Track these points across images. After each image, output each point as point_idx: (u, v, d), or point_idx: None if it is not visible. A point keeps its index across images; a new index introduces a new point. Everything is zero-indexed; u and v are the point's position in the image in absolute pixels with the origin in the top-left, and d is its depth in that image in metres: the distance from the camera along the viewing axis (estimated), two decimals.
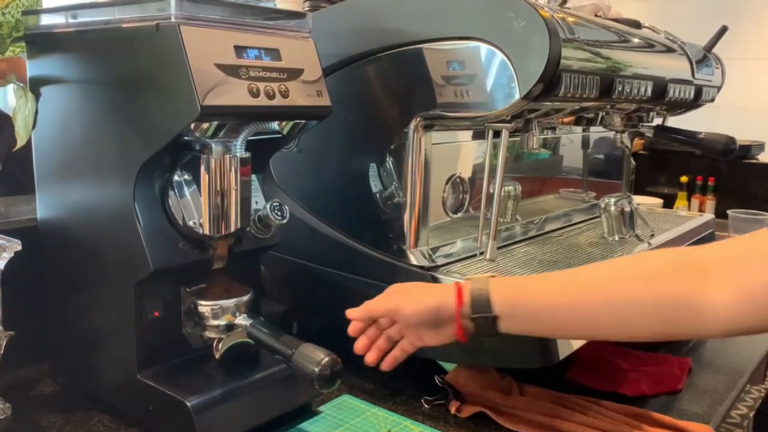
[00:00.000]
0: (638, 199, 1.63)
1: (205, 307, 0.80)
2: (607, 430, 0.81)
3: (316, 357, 0.74)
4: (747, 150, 2.18)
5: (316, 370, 0.73)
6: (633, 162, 2.11)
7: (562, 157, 1.36)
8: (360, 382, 0.95)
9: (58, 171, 0.87)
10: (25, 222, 0.93)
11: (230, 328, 0.80)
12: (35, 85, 0.87)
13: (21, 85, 0.87)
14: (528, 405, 0.86)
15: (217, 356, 0.79)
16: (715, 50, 1.31)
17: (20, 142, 0.87)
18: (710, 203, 2.08)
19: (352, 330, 0.76)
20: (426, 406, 0.89)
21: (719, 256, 0.64)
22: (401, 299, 0.73)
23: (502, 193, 1.15)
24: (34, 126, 0.87)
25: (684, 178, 2.18)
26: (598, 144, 1.42)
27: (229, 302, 0.80)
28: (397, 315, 0.72)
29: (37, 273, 0.92)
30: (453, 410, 0.87)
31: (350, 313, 0.76)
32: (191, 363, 0.82)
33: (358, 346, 0.74)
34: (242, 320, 0.80)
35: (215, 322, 0.80)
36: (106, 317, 0.82)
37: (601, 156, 1.44)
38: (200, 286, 0.82)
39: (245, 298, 0.81)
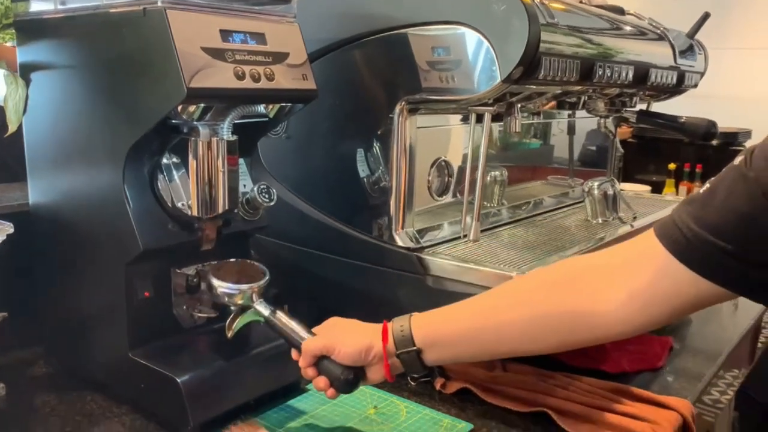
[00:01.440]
0: (626, 186, 1.66)
1: (222, 287, 0.79)
2: (589, 404, 0.83)
3: None
4: (734, 137, 2.21)
5: (340, 374, 0.74)
6: (621, 149, 2.14)
7: (553, 147, 1.39)
8: None
9: (50, 156, 0.89)
10: (17, 207, 0.95)
11: (243, 309, 0.80)
12: (25, 72, 0.88)
13: (11, 71, 0.89)
14: (511, 381, 0.88)
15: (229, 335, 0.80)
16: (707, 40, 1.33)
17: (11, 128, 0.89)
18: (698, 190, 2.10)
19: (306, 375, 0.77)
20: (412, 383, 0.90)
21: (605, 263, 0.70)
22: (336, 339, 0.75)
23: (489, 178, 1.17)
24: (24, 112, 0.88)
25: (672, 166, 2.21)
26: (584, 132, 1.45)
27: (245, 287, 0.80)
28: (332, 353, 0.75)
29: (29, 256, 0.93)
30: (438, 387, 0.89)
31: (299, 362, 0.77)
32: (182, 342, 0.84)
33: (318, 386, 0.76)
34: (262, 307, 0.80)
35: (230, 302, 0.80)
36: (98, 298, 0.84)
37: (588, 143, 1.47)
38: (213, 263, 0.83)
39: (262, 282, 0.81)
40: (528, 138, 1.33)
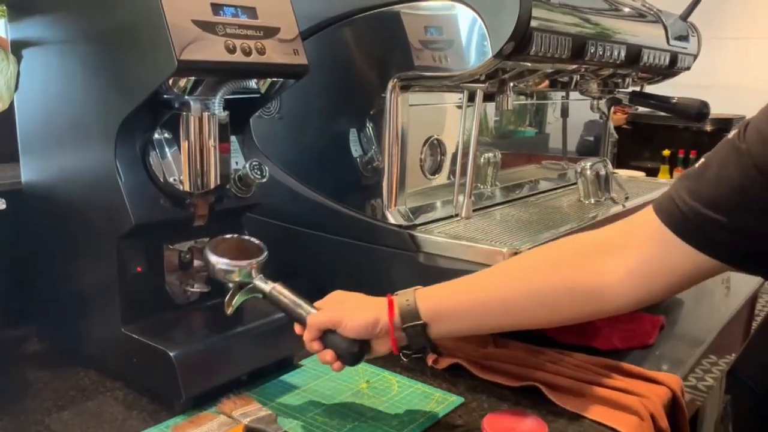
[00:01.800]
0: (620, 172, 1.66)
1: (221, 264, 0.78)
2: (579, 378, 0.84)
3: None
4: (728, 123, 2.22)
5: (347, 347, 0.74)
6: (615, 135, 2.14)
7: (548, 135, 1.39)
8: None
9: (42, 133, 0.89)
10: (9, 185, 0.95)
11: (242, 286, 0.79)
12: (17, 48, 0.88)
13: (2, 48, 0.88)
14: (502, 356, 0.89)
15: (228, 312, 0.78)
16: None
17: (3, 105, 0.89)
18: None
19: (311, 349, 0.76)
20: (404, 359, 0.92)
21: (605, 239, 0.71)
22: (342, 313, 0.75)
23: (482, 160, 1.17)
24: (16, 89, 0.88)
25: (666, 152, 2.22)
26: (582, 123, 1.45)
27: (244, 263, 0.78)
28: (338, 327, 0.74)
29: (22, 235, 0.94)
30: (430, 362, 0.89)
31: (304, 335, 0.77)
32: (175, 318, 0.85)
33: (325, 359, 0.75)
34: (261, 283, 0.78)
35: (228, 279, 0.78)
36: (91, 274, 0.84)
37: (585, 134, 1.47)
38: (210, 239, 0.81)
39: (261, 258, 0.80)
40: (523, 126, 1.34)
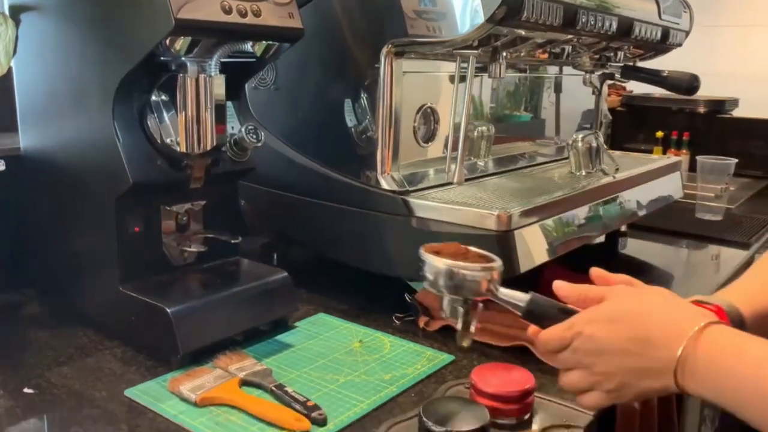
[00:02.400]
0: (614, 153, 1.67)
1: (468, 271, 0.62)
2: None
3: None
4: (721, 105, 2.23)
5: None
6: (609, 116, 2.15)
7: (543, 121, 1.40)
8: (335, 303, 1.00)
9: (40, 97, 0.90)
10: (8, 150, 0.96)
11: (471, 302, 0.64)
12: (15, 13, 0.89)
13: (1, 11, 0.89)
14: (491, 318, 0.90)
15: (466, 343, 0.65)
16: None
17: (1, 70, 0.90)
18: (685, 157, 2.13)
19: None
20: (397, 322, 0.94)
21: None
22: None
23: (476, 134, 1.19)
24: (14, 53, 0.89)
25: (660, 134, 2.23)
26: (580, 112, 1.46)
27: (494, 264, 0.64)
28: None
29: (21, 199, 0.95)
30: (421, 325, 0.91)
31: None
32: (172, 278, 0.86)
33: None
34: (511, 292, 0.64)
35: (468, 293, 0.63)
36: (89, 235, 0.86)
37: (583, 122, 1.48)
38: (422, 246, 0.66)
39: (498, 263, 0.64)
40: (519, 111, 1.35)
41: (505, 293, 0.63)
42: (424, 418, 0.61)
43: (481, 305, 0.67)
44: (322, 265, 1.16)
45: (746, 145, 2.16)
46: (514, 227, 0.86)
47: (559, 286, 0.62)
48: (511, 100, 1.29)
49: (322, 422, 0.67)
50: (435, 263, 0.62)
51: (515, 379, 0.69)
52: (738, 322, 0.63)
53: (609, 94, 2.36)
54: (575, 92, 1.42)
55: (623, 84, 2.11)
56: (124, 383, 0.75)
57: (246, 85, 1.02)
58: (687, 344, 0.51)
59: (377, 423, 0.67)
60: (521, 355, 0.83)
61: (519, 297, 0.63)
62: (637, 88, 2.47)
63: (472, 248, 0.67)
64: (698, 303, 0.65)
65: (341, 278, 1.08)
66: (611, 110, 2.27)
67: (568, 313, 0.60)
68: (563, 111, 1.41)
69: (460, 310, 0.62)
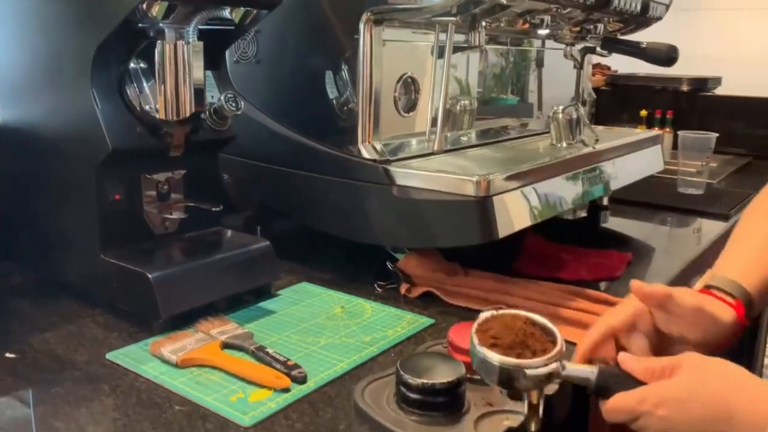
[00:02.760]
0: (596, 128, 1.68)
1: (532, 368, 0.56)
2: (544, 301, 0.87)
3: None
4: (704, 83, 2.25)
5: None
6: (593, 95, 2.16)
7: (531, 105, 1.41)
8: (318, 273, 1.01)
9: (17, 68, 0.89)
10: None
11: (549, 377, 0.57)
12: None
13: None
14: (471, 283, 0.92)
15: (534, 429, 0.59)
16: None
17: None
18: (668, 135, 2.15)
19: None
20: (379, 290, 0.95)
21: None
22: None
23: (458, 108, 1.19)
24: None
25: (643, 112, 2.25)
26: (569, 98, 1.47)
27: (554, 353, 0.57)
28: None
29: (1, 171, 0.95)
30: (403, 291, 0.92)
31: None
32: (153, 246, 0.87)
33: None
34: (581, 367, 0.59)
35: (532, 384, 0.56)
36: (70, 204, 0.86)
37: (560, 90, 1.49)
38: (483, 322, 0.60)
39: (560, 342, 0.59)
40: (506, 94, 1.35)
41: (571, 370, 0.57)
42: (401, 372, 0.62)
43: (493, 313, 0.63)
44: (306, 237, 1.16)
45: (729, 123, 2.18)
46: (492, 193, 0.87)
47: (625, 359, 0.56)
48: (498, 84, 1.30)
49: (302, 380, 0.68)
50: (495, 362, 0.55)
51: None
52: (748, 303, 0.63)
53: (593, 74, 2.37)
54: (560, 75, 1.42)
55: (606, 59, 2.12)
56: (105, 348, 0.75)
57: (227, 58, 1.02)
58: None
59: (356, 380, 0.68)
60: None
61: (586, 371, 0.58)
62: (621, 67, 2.48)
63: (527, 314, 0.61)
64: (707, 290, 0.65)
65: (324, 250, 1.09)
66: (596, 89, 2.28)
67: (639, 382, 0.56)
68: (549, 93, 1.42)
69: (524, 396, 0.58)
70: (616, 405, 0.54)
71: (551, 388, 0.60)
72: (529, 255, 1.05)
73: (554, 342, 0.58)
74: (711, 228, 1.36)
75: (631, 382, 0.55)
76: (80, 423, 0.61)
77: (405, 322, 0.83)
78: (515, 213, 0.92)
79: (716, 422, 0.49)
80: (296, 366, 0.69)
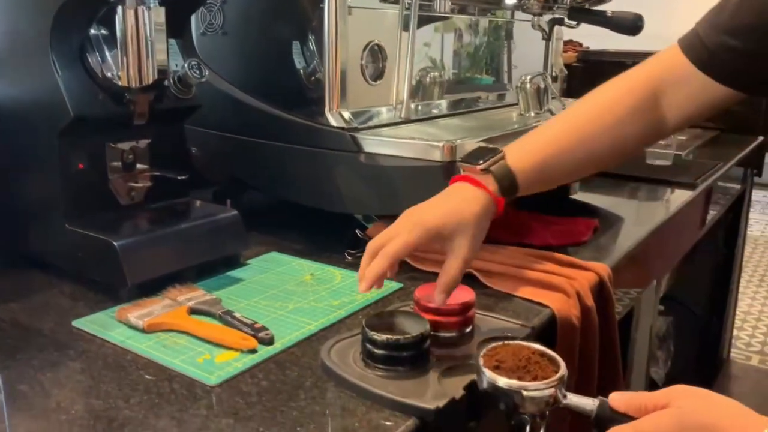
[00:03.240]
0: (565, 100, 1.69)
1: (531, 390, 0.56)
2: (512, 264, 0.89)
3: None
4: None
5: None
6: (565, 71, 2.18)
7: (505, 85, 1.41)
8: (288, 243, 1.01)
9: None
10: None
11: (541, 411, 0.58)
12: None
13: None
14: (440, 249, 0.92)
15: None
16: None
17: None
18: None
19: None
20: (349, 258, 0.95)
21: (656, 84, 0.76)
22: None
23: (428, 80, 1.20)
24: None
25: None
26: (528, 54, 1.48)
27: (555, 378, 0.57)
28: None
29: None
30: None
31: None
32: (119, 216, 0.86)
33: None
34: (580, 399, 0.58)
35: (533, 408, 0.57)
36: (34, 176, 0.85)
37: (528, 56, 1.50)
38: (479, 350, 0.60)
39: (562, 369, 0.58)
40: (480, 74, 1.36)
41: (573, 399, 0.58)
42: (367, 329, 0.62)
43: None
44: (276, 210, 1.16)
45: None
46: (458, 158, 0.88)
47: (615, 398, 0.56)
48: (473, 64, 1.30)
49: (269, 341, 0.68)
50: (497, 383, 0.56)
51: (456, 294, 0.71)
52: (508, 186, 0.72)
53: (565, 51, 2.39)
54: (532, 50, 1.43)
55: (578, 36, 2.13)
56: (72, 316, 0.75)
57: (193, 31, 1.01)
58: None
59: (324, 341, 0.68)
60: (467, 283, 0.85)
61: (587, 403, 0.57)
62: (593, 44, 2.50)
63: (535, 345, 0.61)
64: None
65: (295, 221, 1.09)
66: (567, 66, 2.30)
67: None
68: (521, 69, 1.42)
69: (527, 419, 0.57)
70: None
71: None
72: (498, 222, 1.06)
73: (557, 371, 0.58)
74: (678, 195, 1.39)
75: (627, 417, 0.55)
76: (45, 386, 0.61)
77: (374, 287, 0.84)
78: None
79: None
80: (263, 328, 0.70)
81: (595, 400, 0.57)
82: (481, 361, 0.58)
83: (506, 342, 0.62)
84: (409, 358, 0.62)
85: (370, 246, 0.69)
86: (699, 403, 0.54)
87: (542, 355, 0.60)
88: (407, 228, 0.67)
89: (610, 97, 0.77)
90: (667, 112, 0.76)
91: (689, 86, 0.73)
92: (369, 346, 0.62)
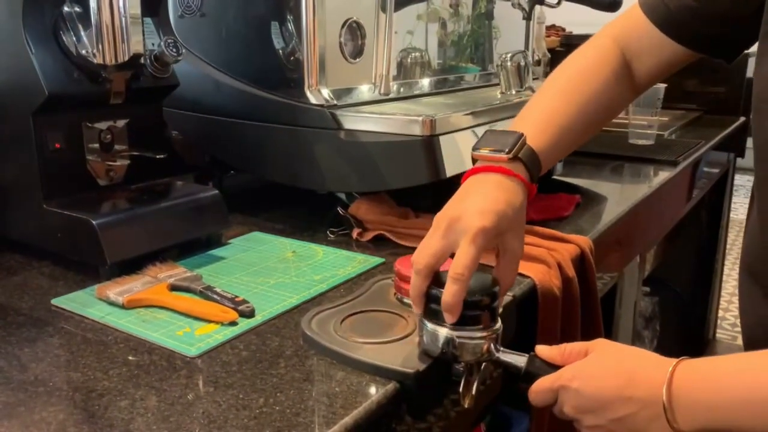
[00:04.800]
0: None
1: (460, 335, 0.57)
2: None
3: None
4: None
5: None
6: (548, 55, 2.18)
7: (490, 74, 1.41)
8: (271, 223, 1.01)
9: None
10: None
11: (476, 366, 0.59)
12: None
13: None
14: (422, 224, 0.93)
15: (468, 404, 0.59)
16: None
17: None
18: None
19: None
20: (331, 236, 0.95)
21: (623, 50, 0.78)
22: None
23: (409, 60, 1.19)
24: None
25: None
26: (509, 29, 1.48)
27: (490, 331, 0.59)
28: None
29: None
30: (355, 236, 0.93)
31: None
32: (98, 196, 0.86)
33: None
34: (511, 355, 0.59)
35: (469, 357, 0.58)
36: (11, 155, 0.84)
37: (512, 41, 1.50)
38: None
39: (498, 325, 0.60)
40: (465, 62, 1.35)
41: (505, 355, 0.59)
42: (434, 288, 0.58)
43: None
44: (258, 192, 1.16)
45: (682, 81, 2.23)
46: (438, 132, 0.88)
47: (540, 348, 0.59)
48: (458, 52, 1.30)
49: (249, 314, 0.68)
50: (435, 330, 0.58)
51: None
52: (536, 169, 0.67)
53: (548, 35, 2.39)
54: (517, 36, 1.43)
55: (561, 20, 2.14)
56: (51, 296, 0.74)
57: (171, 12, 1.01)
58: (665, 391, 0.52)
59: (305, 313, 0.68)
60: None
61: (518, 359, 0.59)
62: (576, 28, 2.50)
63: None
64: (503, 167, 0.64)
65: (277, 203, 1.09)
66: (550, 50, 2.30)
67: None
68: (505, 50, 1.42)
69: (461, 371, 0.59)
70: (537, 386, 0.58)
71: (486, 371, 0.60)
72: None
73: (495, 322, 0.60)
74: (660, 173, 1.40)
75: (554, 368, 0.58)
76: (23, 361, 0.60)
77: (356, 262, 0.84)
78: (465, 153, 0.93)
79: (623, 388, 0.54)
80: (244, 302, 0.69)
81: (526, 356, 0.59)
82: (421, 316, 0.59)
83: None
84: (484, 317, 0.58)
85: (419, 265, 0.59)
86: (615, 350, 0.57)
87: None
88: (468, 238, 0.58)
89: (589, 63, 0.78)
90: (635, 71, 0.78)
91: (652, 45, 0.75)
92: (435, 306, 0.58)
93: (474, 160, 0.67)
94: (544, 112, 0.73)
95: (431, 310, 0.58)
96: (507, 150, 0.64)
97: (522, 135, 0.66)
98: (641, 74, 0.78)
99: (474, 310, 0.57)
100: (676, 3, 0.72)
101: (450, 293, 0.56)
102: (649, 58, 0.77)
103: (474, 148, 0.66)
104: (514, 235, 0.62)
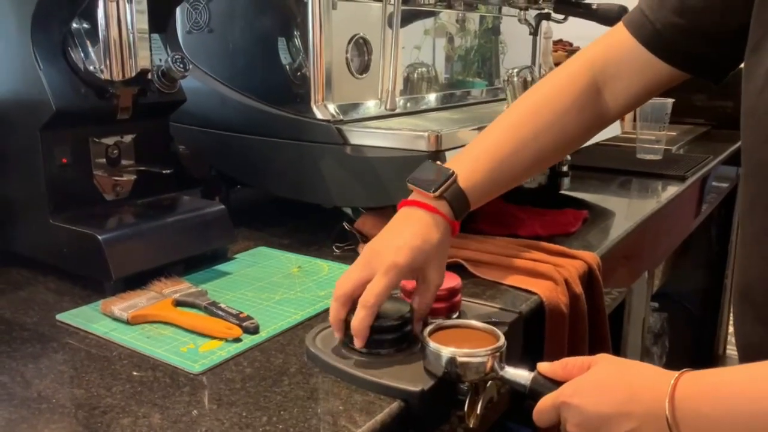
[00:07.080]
0: None
1: (461, 355, 0.57)
2: (500, 254, 0.88)
3: None
4: None
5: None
6: (553, 66, 2.18)
7: (497, 89, 1.42)
8: (277, 238, 1.00)
9: None
10: None
11: (482, 384, 0.59)
12: None
13: None
14: None
15: (474, 424, 0.59)
16: None
17: None
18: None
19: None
20: (337, 251, 0.95)
21: (601, 70, 0.75)
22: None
23: (416, 75, 1.20)
24: None
25: None
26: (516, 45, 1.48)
27: (490, 349, 0.59)
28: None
29: None
30: (360, 250, 0.92)
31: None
32: (104, 211, 0.86)
33: None
34: (516, 371, 0.59)
35: (471, 376, 0.58)
36: (18, 170, 0.84)
37: (519, 57, 1.50)
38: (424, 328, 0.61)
39: (501, 342, 0.60)
40: (472, 77, 1.36)
41: (510, 371, 0.59)
42: (350, 314, 0.62)
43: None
44: (264, 207, 1.16)
45: (689, 96, 2.22)
46: (444, 148, 0.88)
47: (542, 365, 0.58)
48: (465, 67, 1.30)
49: (254, 330, 0.68)
50: (437, 350, 0.58)
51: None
52: (461, 207, 0.69)
53: (555, 50, 2.40)
54: (523, 50, 1.43)
55: (568, 35, 2.14)
56: (56, 311, 0.74)
57: (179, 29, 1.02)
58: (668, 404, 0.51)
59: (309, 330, 0.68)
60: (456, 272, 0.85)
61: (523, 376, 0.58)
62: (582, 43, 2.51)
63: (473, 322, 0.64)
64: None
65: (283, 218, 1.09)
66: (557, 64, 2.31)
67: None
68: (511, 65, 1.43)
69: (466, 390, 0.59)
70: (540, 406, 0.57)
71: (492, 389, 0.60)
72: (487, 215, 1.06)
73: (497, 340, 0.60)
74: (668, 188, 1.39)
75: (558, 384, 0.57)
76: (26, 377, 0.60)
77: None
78: None
79: (624, 403, 0.53)
80: (248, 318, 0.69)
81: (531, 373, 0.58)
82: (424, 334, 0.60)
83: (456, 325, 0.64)
84: (392, 341, 0.61)
85: (339, 292, 0.63)
86: (616, 365, 0.56)
87: (488, 332, 0.62)
88: (381, 271, 0.62)
89: (546, 92, 0.75)
90: (609, 96, 0.75)
91: (635, 66, 0.72)
92: (350, 331, 0.62)
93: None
94: (489, 148, 0.73)
95: (349, 336, 0.61)
96: (433, 189, 0.67)
97: (452, 174, 0.69)
98: (617, 98, 0.75)
99: (383, 334, 0.61)
100: (662, 21, 0.69)
101: (358, 319, 0.60)
102: (630, 80, 0.73)
103: (408, 179, 0.70)
104: (433, 267, 0.66)
